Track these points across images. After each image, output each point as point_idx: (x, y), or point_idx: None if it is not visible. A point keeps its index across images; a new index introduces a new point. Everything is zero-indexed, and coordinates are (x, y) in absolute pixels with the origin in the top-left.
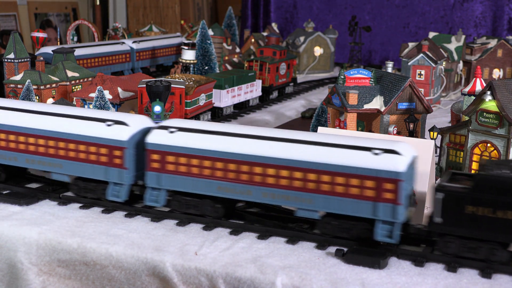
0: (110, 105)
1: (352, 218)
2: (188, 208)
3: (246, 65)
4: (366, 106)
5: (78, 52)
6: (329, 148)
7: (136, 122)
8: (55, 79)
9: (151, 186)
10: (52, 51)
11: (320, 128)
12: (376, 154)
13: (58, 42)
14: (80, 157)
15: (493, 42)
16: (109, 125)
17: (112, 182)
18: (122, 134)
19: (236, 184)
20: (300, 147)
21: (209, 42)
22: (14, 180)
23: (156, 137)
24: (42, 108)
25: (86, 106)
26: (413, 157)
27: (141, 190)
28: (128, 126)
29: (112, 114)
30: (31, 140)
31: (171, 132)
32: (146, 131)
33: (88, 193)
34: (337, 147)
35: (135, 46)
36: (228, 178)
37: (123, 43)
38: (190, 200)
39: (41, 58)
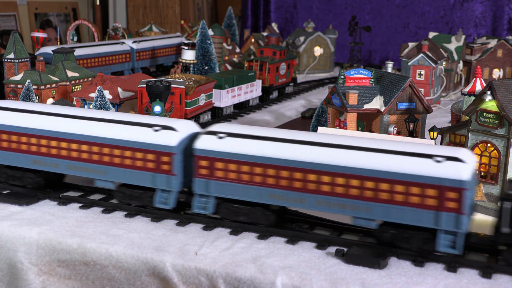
0: (110, 105)
1: (411, 227)
2: (238, 216)
3: (246, 65)
4: (366, 106)
5: (78, 52)
6: (388, 155)
7: (184, 127)
8: (55, 79)
9: (199, 193)
10: (52, 51)
11: (320, 128)
12: (438, 161)
13: (58, 42)
14: (126, 163)
15: (493, 42)
16: (156, 130)
17: (159, 189)
18: (170, 139)
19: (289, 191)
20: (358, 153)
21: (209, 42)
22: (52, 187)
23: (205, 143)
24: (85, 114)
25: (86, 106)
26: (475, 165)
27: (186, 197)
28: (176, 131)
29: (159, 119)
30: (74, 146)
31: (220, 137)
32: (193, 137)
33: (134, 200)
34: (396, 154)
35: (135, 46)
36: (281, 185)
37: (123, 43)
38: (240, 207)
39: (41, 58)
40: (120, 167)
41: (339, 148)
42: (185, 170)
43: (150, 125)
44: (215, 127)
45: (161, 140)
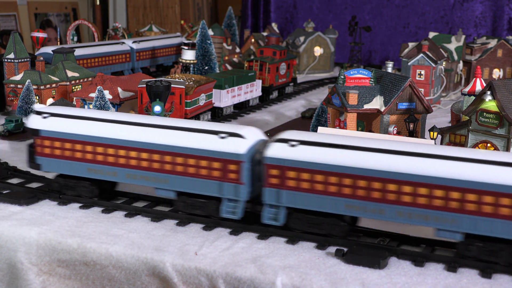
0: (110, 105)
1: (498, 240)
2: (311, 227)
3: (246, 65)
4: (366, 106)
5: (78, 52)
6: (475, 164)
7: (251, 134)
8: (55, 79)
9: (270, 203)
10: (52, 51)
11: (320, 128)
12: None
13: (58, 42)
14: (190, 171)
15: (493, 42)
16: (223, 138)
17: (226, 199)
18: (238, 147)
19: (367, 202)
20: (441, 162)
21: (209, 42)
22: (104, 197)
23: (276, 151)
24: (145, 120)
25: (86, 106)
26: None
27: (251, 206)
28: (244, 138)
29: (224, 126)
30: (133, 154)
31: (293, 145)
32: (260, 144)
33: (197, 210)
34: (483, 163)
35: (135, 46)
36: (358, 195)
37: (123, 43)
38: (313, 218)
39: (41, 58)
40: (183, 175)
41: (421, 157)
42: (252, 179)
43: (215, 132)
44: (286, 135)
45: (229, 148)
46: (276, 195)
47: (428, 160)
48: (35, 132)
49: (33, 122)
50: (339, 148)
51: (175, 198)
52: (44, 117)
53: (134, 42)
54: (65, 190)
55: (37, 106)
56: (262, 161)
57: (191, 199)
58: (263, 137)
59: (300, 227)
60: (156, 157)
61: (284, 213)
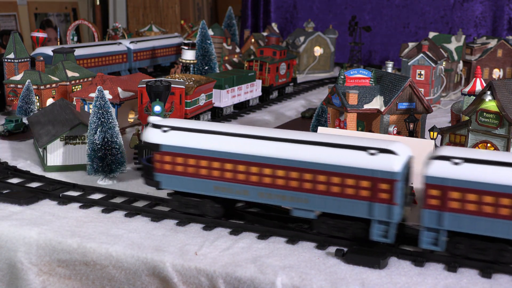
0: (110, 105)
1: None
2: (478, 253)
3: (246, 65)
4: (366, 106)
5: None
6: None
7: (403, 149)
8: (55, 79)
9: (429, 226)
10: (52, 51)
11: (320, 128)
12: None
13: (58, 42)
14: (333, 191)
15: (493, 42)
16: (372, 154)
17: (376, 220)
18: (392, 164)
19: None
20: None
21: (209, 42)
22: (226, 216)
23: (438, 170)
24: (281, 135)
25: (86, 106)
26: None
27: (400, 229)
28: (397, 155)
29: (372, 141)
30: (267, 171)
31: (456, 163)
32: (409, 160)
33: (340, 232)
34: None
35: (132, 46)
36: None
37: (120, 43)
38: (479, 243)
39: (41, 58)
40: (325, 195)
41: None
42: (403, 199)
43: (364, 148)
44: (446, 151)
45: (381, 165)
46: (437, 217)
47: None
48: (155, 147)
49: (152, 136)
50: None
51: (315, 219)
52: (164, 131)
53: (131, 42)
54: (185, 208)
55: (153, 119)
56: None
57: (333, 220)
58: (410, 152)
59: (465, 252)
60: (294, 174)
61: (445, 237)
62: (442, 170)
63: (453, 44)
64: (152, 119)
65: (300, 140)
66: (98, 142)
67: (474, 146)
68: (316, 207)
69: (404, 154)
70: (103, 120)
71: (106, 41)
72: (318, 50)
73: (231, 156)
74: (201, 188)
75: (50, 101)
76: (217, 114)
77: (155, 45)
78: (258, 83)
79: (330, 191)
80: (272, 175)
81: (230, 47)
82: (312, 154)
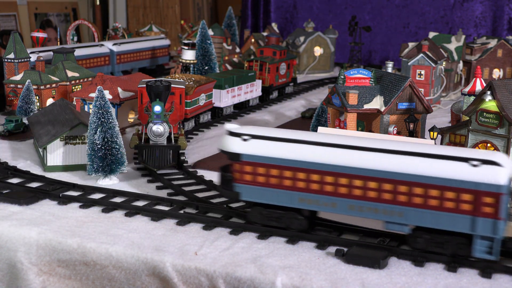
0: (110, 105)
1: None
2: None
3: (246, 65)
4: (366, 106)
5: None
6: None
7: (506, 160)
8: (55, 79)
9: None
10: (52, 51)
11: (320, 128)
12: None
13: (58, 42)
14: (431, 204)
15: (493, 42)
16: (475, 166)
17: (478, 236)
18: (498, 177)
19: None
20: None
21: (209, 42)
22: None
23: None
24: (373, 144)
25: (86, 106)
26: None
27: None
28: (502, 166)
29: (473, 152)
30: (358, 182)
31: None
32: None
33: (438, 248)
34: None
35: (115, 48)
36: None
37: (102, 45)
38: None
39: (41, 58)
40: (422, 208)
41: None
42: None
43: (465, 159)
44: None
45: (486, 178)
46: None
47: None
48: (235, 157)
49: (232, 145)
50: None
51: (409, 233)
52: (245, 140)
53: (114, 44)
54: (267, 221)
55: (231, 127)
56: None
57: (429, 235)
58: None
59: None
60: (387, 186)
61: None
62: None
63: (453, 44)
64: (229, 126)
65: (395, 150)
66: (98, 142)
67: (474, 146)
68: (411, 221)
69: (508, 166)
70: (103, 120)
71: (86, 43)
72: (318, 50)
73: (318, 166)
74: (285, 200)
75: (50, 101)
76: (217, 114)
77: (139, 47)
78: (258, 83)
79: (428, 204)
80: (363, 187)
81: (230, 47)
82: (408, 165)
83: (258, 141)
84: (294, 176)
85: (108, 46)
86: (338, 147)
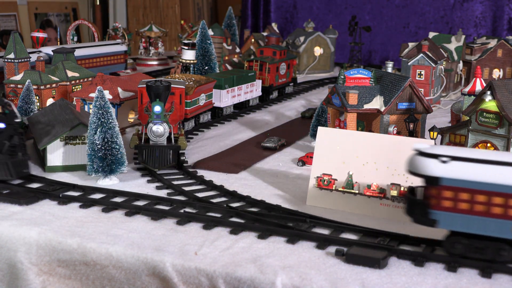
0: (110, 105)
1: None
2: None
3: (246, 65)
4: (366, 106)
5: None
6: None
7: None
8: (55, 79)
9: None
10: (52, 51)
11: (320, 128)
12: None
13: (58, 42)
14: None
15: (493, 42)
16: None
17: None
18: None
19: None
20: None
21: (209, 42)
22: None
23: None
24: None
25: (86, 106)
26: None
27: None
28: None
29: None
30: None
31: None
32: None
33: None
34: None
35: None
36: None
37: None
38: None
39: (41, 58)
40: None
41: None
42: None
43: None
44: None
45: None
46: None
47: None
48: (433, 181)
49: (428, 167)
50: None
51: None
52: (444, 161)
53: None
54: (469, 253)
55: (421, 146)
56: None
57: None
58: None
59: None
60: None
61: None
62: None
63: (453, 44)
64: (419, 146)
65: None
66: (98, 142)
67: (474, 146)
68: None
69: None
70: (103, 120)
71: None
72: (318, 50)
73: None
74: (495, 230)
75: (50, 101)
76: (217, 114)
77: (96, 52)
78: (258, 83)
79: None
80: None
81: (230, 47)
82: None
83: (460, 163)
84: (506, 203)
85: (47, 51)
86: None
